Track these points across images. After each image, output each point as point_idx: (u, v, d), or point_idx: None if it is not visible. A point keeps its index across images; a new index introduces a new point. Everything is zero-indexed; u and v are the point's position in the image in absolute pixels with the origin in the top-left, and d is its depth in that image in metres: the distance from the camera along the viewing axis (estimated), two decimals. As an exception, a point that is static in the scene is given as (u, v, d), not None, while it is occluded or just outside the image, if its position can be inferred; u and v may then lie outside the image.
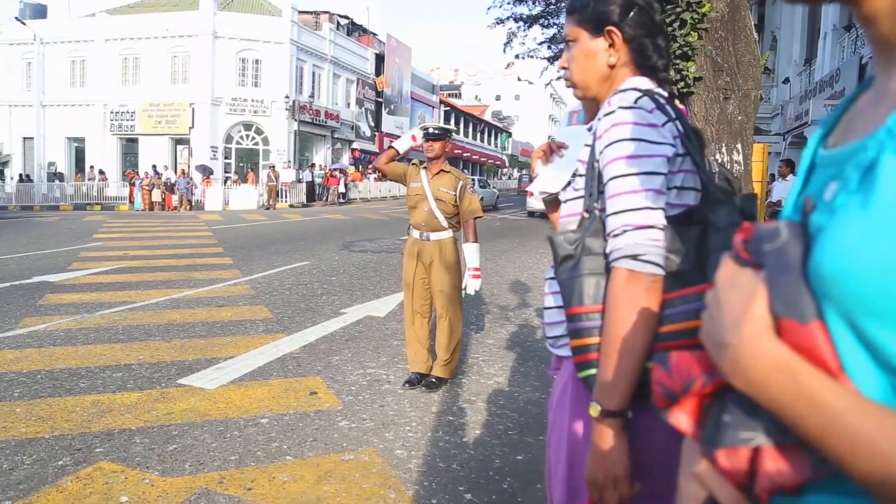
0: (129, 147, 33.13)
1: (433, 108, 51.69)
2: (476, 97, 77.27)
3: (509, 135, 75.23)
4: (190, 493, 3.07)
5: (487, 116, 69.58)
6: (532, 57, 21.67)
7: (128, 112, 31.94)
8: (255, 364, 5.04)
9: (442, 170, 4.60)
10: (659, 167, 1.31)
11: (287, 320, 6.50)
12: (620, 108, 1.36)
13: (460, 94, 73.34)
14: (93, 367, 4.97)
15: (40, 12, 35.71)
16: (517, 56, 22.14)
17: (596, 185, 1.42)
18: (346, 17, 40.87)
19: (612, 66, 1.49)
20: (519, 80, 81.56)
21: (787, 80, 21.86)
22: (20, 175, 31.22)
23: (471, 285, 4.51)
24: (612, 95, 1.44)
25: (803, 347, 0.59)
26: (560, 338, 1.64)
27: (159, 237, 14.92)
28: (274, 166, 28.90)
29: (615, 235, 1.30)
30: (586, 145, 1.51)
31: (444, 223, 4.55)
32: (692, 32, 6.72)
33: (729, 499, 0.66)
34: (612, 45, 1.48)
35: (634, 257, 1.26)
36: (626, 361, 1.25)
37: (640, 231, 1.27)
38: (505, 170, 72.66)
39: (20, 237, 14.71)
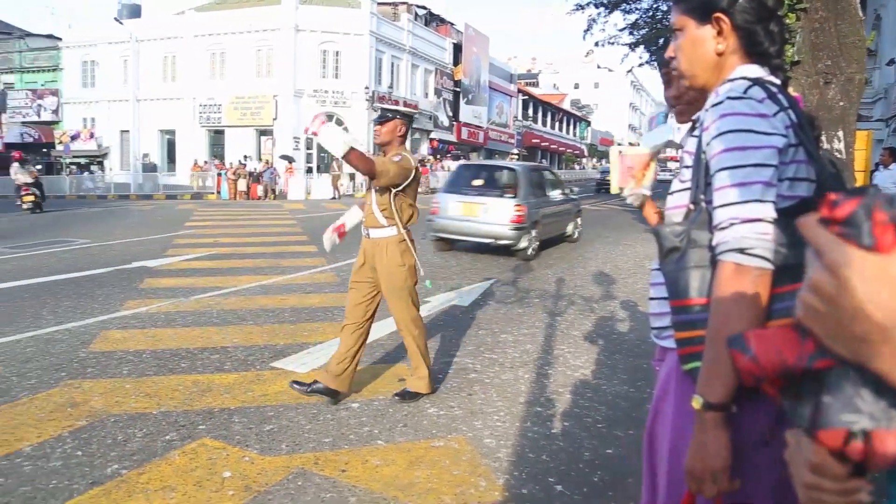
0: (216, 139, 34.46)
1: (511, 97, 51.34)
2: (554, 86, 76.28)
3: (588, 124, 73.97)
4: (287, 472, 3.17)
5: (566, 105, 68.62)
6: (612, 44, 21.15)
7: (215, 105, 33.19)
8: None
9: (389, 155, 4.11)
10: (768, 158, 1.28)
11: (372, 307, 6.61)
12: (728, 98, 1.33)
13: (538, 83, 72.54)
14: (192, 348, 5.20)
15: (136, 12, 37.55)
16: (597, 43, 21.68)
17: (703, 176, 1.40)
18: (424, 8, 41.04)
19: (720, 54, 1.45)
20: (599, 67, 80.00)
21: (891, 62, 20.52)
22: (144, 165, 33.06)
23: (327, 240, 4.16)
24: (720, 85, 1.41)
25: None
26: (664, 329, 1.65)
27: (246, 225, 15.47)
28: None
29: (722, 228, 1.28)
30: (692, 136, 1.48)
31: (382, 220, 4.05)
32: (790, 14, 6.37)
33: (823, 470, 0.68)
34: (720, 33, 1.44)
35: (741, 251, 1.24)
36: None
37: (747, 224, 1.25)
38: (584, 159, 71.54)
39: (119, 224, 15.59)
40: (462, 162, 15.79)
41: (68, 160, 36.32)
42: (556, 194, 11.72)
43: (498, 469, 3.25)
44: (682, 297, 1.40)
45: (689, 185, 1.46)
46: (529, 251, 10.06)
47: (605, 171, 36.26)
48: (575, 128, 70.23)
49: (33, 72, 39.73)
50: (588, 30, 20.60)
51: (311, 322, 6.05)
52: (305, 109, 31.89)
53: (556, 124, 64.29)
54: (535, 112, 58.78)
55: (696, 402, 1.28)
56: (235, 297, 7.08)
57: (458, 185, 10.82)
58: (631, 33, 20.38)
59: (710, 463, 1.26)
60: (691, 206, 1.44)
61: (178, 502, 2.88)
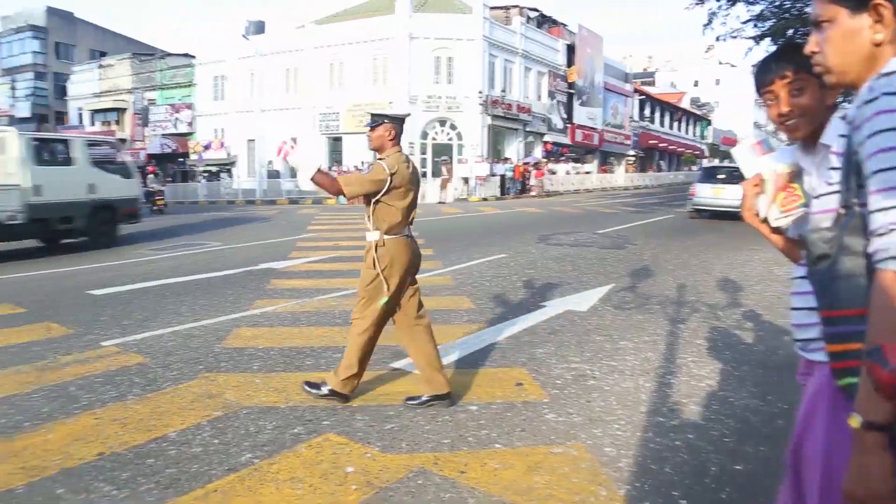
0: (335, 145, 35.86)
1: (626, 97, 50.05)
2: (672, 84, 73.69)
3: (709, 122, 70.83)
4: (408, 470, 3.24)
5: (685, 104, 66.08)
6: (735, 37, 20.05)
7: (333, 113, 34.58)
8: (461, 352, 5.20)
9: (379, 160, 4.13)
10: None
11: (489, 311, 6.64)
12: (885, 94, 1.23)
13: (655, 82, 70.37)
14: (315, 346, 5.43)
15: (261, 28, 39.84)
16: (718, 38, 20.62)
17: (854, 178, 1.30)
18: (536, 10, 40.85)
19: (877, 45, 1.34)
20: (720, 63, 76.44)
21: None
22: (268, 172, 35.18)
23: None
24: (873, 80, 1.30)
25: None
26: (812, 341, 1.56)
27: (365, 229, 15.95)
28: (446, 160, 29.81)
29: (880, 234, 1.19)
30: (841, 136, 1.39)
31: (368, 224, 4.19)
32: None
33: None
34: (879, 21, 1.33)
35: None
36: None
37: None
38: (704, 160, 68.59)
39: (247, 228, 16.55)
40: (708, 165, 24.77)
41: (201, 168, 39.07)
42: None
43: (619, 479, 3.16)
44: (835, 307, 1.33)
45: (837, 187, 1.38)
46: None
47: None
48: (695, 127, 67.50)
49: (171, 88, 43.16)
50: (708, 24, 19.64)
51: (428, 324, 6.14)
52: (420, 115, 32.57)
53: (675, 124, 62.03)
54: (652, 112, 56.99)
55: (855, 421, 1.19)
56: (355, 299, 7.30)
57: (708, 177, 18.09)
58: (755, 25, 19.21)
59: (874, 487, 1.17)
60: (842, 211, 1.35)
61: (305, 493, 3.00)
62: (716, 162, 67.00)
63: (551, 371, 4.77)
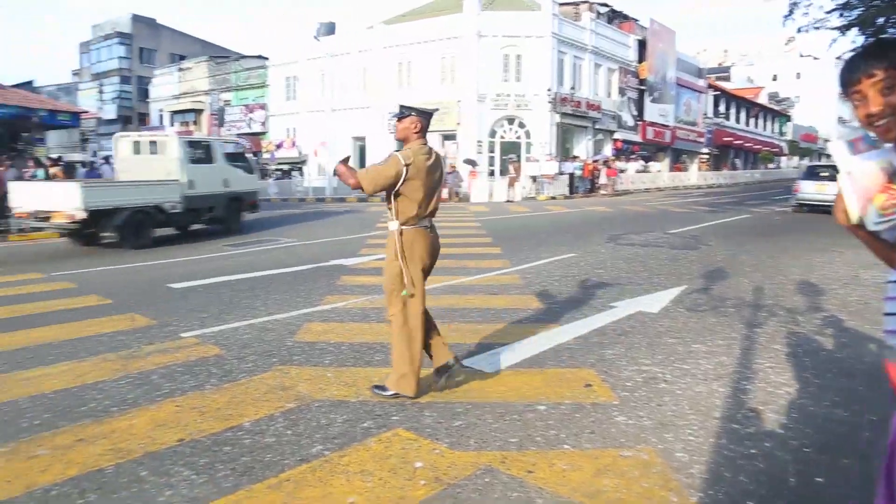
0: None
1: (700, 93, 48.58)
2: (749, 79, 71.11)
3: (788, 118, 67.98)
4: (476, 468, 3.25)
5: (762, 99, 63.65)
6: (818, 28, 19.12)
7: (403, 112, 34.89)
8: (529, 352, 5.18)
9: (395, 152, 4.22)
10: None
11: (558, 311, 6.58)
12: None
13: (730, 77, 68.06)
14: (384, 342, 5.48)
15: (332, 30, 40.61)
16: (799, 29, 19.72)
17: None
18: (606, 5, 40.08)
19: None
20: (801, 56, 73.26)
21: None
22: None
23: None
24: None
25: None
26: None
27: (431, 227, 16.06)
28: (513, 159, 29.60)
29: None
30: None
31: (389, 215, 4.24)
32: None
33: None
34: None
35: None
36: None
37: None
38: (783, 158, 65.85)
39: (317, 225, 16.94)
40: (811, 163, 27.68)
41: (273, 167, 40.17)
42: None
43: (690, 485, 3.08)
44: None
45: None
46: None
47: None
48: (773, 123, 64.93)
49: (245, 89, 44.52)
50: (789, 15, 18.77)
51: (497, 323, 6.14)
52: (488, 114, 32.52)
53: (751, 120, 59.84)
54: (728, 108, 55.18)
55: None
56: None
57: (811, 175, 19.81)
58: (841, 15, 18.23)
59: None
60: None
61: (375, 486, 3.06)
62: (795, 160, 64.61)
63: (621, 373, 4.69)
